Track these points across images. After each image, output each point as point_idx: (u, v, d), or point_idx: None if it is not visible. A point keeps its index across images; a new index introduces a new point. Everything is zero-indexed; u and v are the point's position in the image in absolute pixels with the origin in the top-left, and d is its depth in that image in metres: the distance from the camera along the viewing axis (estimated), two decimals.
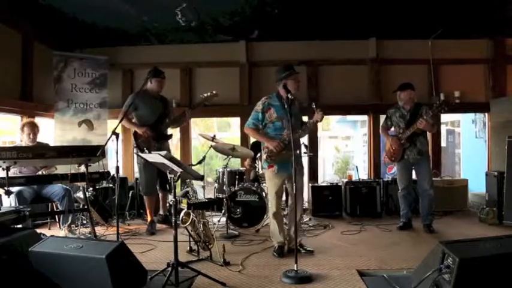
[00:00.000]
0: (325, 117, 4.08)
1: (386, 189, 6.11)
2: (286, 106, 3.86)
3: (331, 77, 6.92)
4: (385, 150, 5.33)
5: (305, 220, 5.51)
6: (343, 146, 16.07)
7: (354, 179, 6.27)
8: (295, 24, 6.12)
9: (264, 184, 5.22)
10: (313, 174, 6.83)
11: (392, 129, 5.24)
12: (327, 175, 12.62)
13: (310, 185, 6.21)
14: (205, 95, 4.91)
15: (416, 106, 5.01)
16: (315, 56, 6.88)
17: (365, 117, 7.42)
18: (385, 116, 5.37)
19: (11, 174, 4.06)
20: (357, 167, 6.59)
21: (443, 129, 9.41)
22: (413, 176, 5.22)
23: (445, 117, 9.24)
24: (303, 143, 4.83)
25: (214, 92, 4.93)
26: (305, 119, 4.27)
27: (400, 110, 5.10)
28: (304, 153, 5.05)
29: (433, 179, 5.22)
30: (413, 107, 5.01)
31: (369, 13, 5.69)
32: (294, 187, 3.69)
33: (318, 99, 6.67)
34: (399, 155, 5.03)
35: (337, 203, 6.02)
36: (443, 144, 8.26)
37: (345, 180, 6.26)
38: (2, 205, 4.23)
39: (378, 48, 6.83)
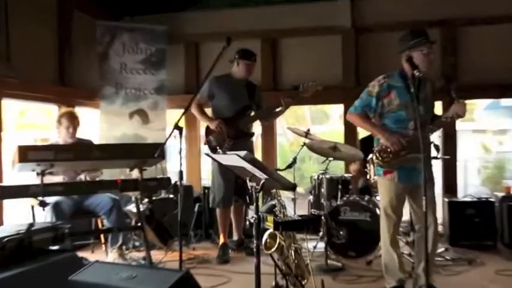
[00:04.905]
0: (469, 102, 3.89)
1: None
2: (412, 89, 3.74)
3: (478, 43, 6.61)
4: None
5: (440, 251, 5.30)
6: (496, 144, 15.49)
7: None
8: None
9: (378, 197, 5.13)
10: (450, 186, 6.63)
11: None
12: (470, 186, 12.17)
13: (446, 200, 6.00)
14: (308, 84, 4.99)
15: None
16: (452, 14, 6.59)
17: None
18: None
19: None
20: None
21: None
22: None
23: None
24: (433, 141, 4.63)
25: (317, 82, 5.03)
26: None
27: None
28: (434, 157, 4.85)
29: None
30: None
31: None
32: (424, 203, 3.55)
33: (456, 76, 6.43)
34: None
35: (488, 227, 5.74)
36: None
37: (500, 194, 5.97)
38: (35, 221, 4.36)
39: None
